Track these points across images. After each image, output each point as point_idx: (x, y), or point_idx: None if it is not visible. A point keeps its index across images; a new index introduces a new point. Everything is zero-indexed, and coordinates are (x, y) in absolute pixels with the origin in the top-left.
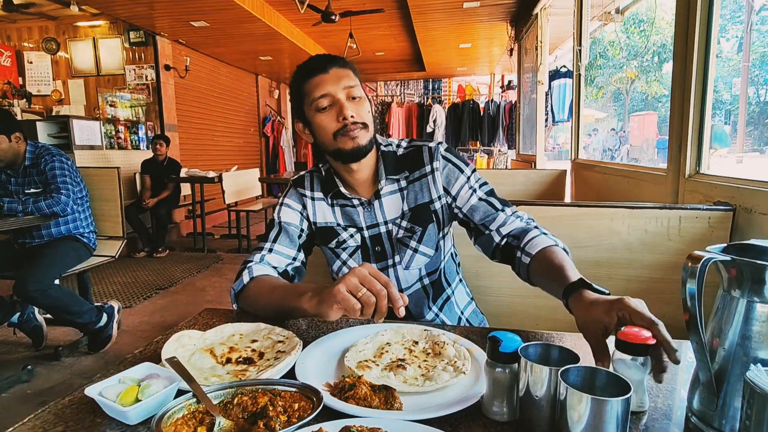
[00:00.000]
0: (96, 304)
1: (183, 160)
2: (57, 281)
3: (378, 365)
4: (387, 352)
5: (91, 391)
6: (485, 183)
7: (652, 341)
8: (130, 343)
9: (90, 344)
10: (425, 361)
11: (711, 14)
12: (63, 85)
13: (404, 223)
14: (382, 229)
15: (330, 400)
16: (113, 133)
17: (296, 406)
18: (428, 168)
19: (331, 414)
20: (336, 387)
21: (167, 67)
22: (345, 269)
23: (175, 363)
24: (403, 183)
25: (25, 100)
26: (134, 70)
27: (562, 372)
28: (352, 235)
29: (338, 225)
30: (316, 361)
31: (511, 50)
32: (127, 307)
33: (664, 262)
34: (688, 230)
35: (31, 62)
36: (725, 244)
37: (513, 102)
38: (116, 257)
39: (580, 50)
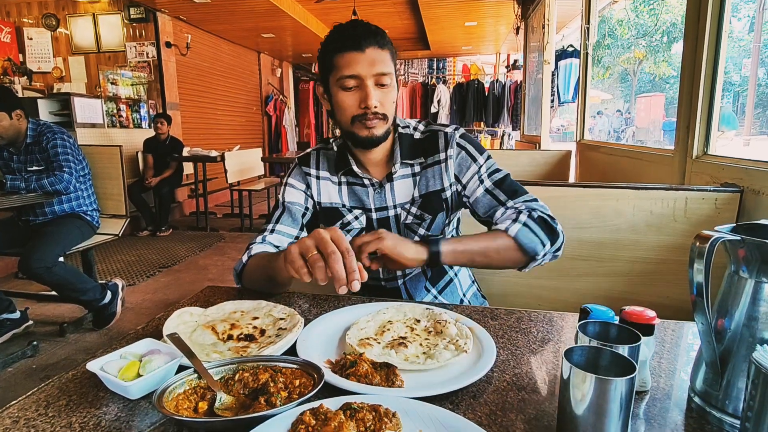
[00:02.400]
0: (100, 281)
1: (185, 139)
2: (62, 259)
3: (379, 343)
4: (388, 330)
5: (93, 366)
6: (496, 171)
7: (657, 321)
8: (133, 320)
9: (94, 321)
10: (427, 339)
11: None
12: (63, 62)
13: (414, 209)
14: (391, 212)
15: (331, 377)
16: (115, 111)
17: (297, 382)
18: (443, 155)
19: (332, 391)
20: (337, 364)
21: (168, 45)
22: None
23: (176, 339)
24: (417, 168)
25: (26, 77)
26: (135, 47)
27: (566, 351)
28: (357, 217)
29: (343, 206)
30: (317, 339)
31: (518, 29)
32: (130, 284)
33: (669, 243)
34: (695, 212)
35: (31, 38)
36: (734, 224)
37: (518, 82)
38: (119, 235)
39: (588, 28)
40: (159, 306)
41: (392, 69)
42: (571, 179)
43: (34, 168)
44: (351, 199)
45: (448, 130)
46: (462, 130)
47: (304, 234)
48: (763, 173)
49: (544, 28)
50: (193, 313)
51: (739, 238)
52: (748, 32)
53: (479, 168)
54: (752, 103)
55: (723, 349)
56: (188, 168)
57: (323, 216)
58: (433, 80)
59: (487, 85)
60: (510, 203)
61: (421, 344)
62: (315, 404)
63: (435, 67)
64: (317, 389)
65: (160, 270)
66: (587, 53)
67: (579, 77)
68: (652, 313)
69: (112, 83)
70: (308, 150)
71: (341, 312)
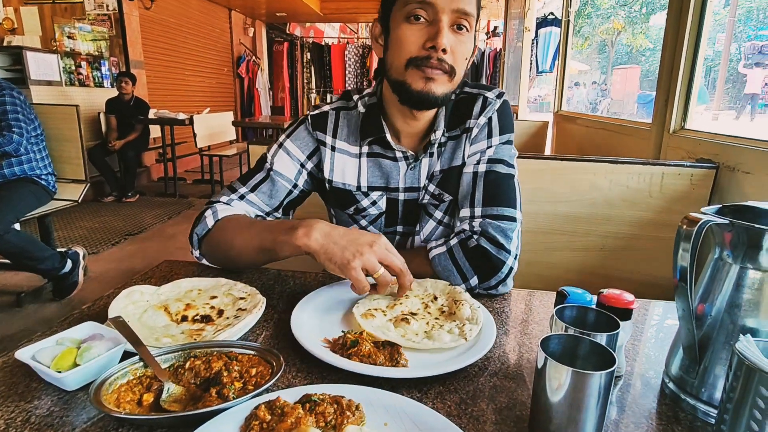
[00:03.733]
0: (59, 249)
1: (151, 101)
2: (16, 226)
3: (386, 315)
4: (401, 303)
5: (23, 354)
6: (500, 161)
7: (635, 305)
8: (97, 291)
9: (54, 291)
10: (436, 319)
11: None
12: (15, 12)
13: (431, 187)
14: (421, 194)
15: (332, 358)
16: (73, 68)
17: (254, 371)
18: (472, 122)
19: (333, 372)
20: (336, 343)
21: None
22: None
23: (120, 323)
24: (443, 139)
25: None
26: None
27: (542, 341)
28: (375, 202)
29: (358, 188)
30: (312, 314)
31: None
32: (93, 253)
33: (643, 219)
34: (669, 187)
35: None
36: (719, 206)
37: (497, 50)
38: (79, 201)
39: None
40: (125, 276)
41: (476, 11)
42: (547, 150)
43: None
44: (372, 176)
45: (490, 95)
46: (505, 99)
47: (278, 214)
48: (739, 149)
49: None
50: (144, 291)
51: (727, 221)
52: (723, 6)
53: (487, 147)
54: (723, 78)
55: (702, 335)
56: (155, 131)
57: (334, 197)
58: None
59: None
60: (477, 210)
61: (428, 323)
62: (272, 396)
63: None
64: (275, 379)
65: (125, 238)
66: (569, 21)
67: (558, 46)
68: (630, 297)
69: (69, 37)
70: (324, 108)
71: (336, 286)
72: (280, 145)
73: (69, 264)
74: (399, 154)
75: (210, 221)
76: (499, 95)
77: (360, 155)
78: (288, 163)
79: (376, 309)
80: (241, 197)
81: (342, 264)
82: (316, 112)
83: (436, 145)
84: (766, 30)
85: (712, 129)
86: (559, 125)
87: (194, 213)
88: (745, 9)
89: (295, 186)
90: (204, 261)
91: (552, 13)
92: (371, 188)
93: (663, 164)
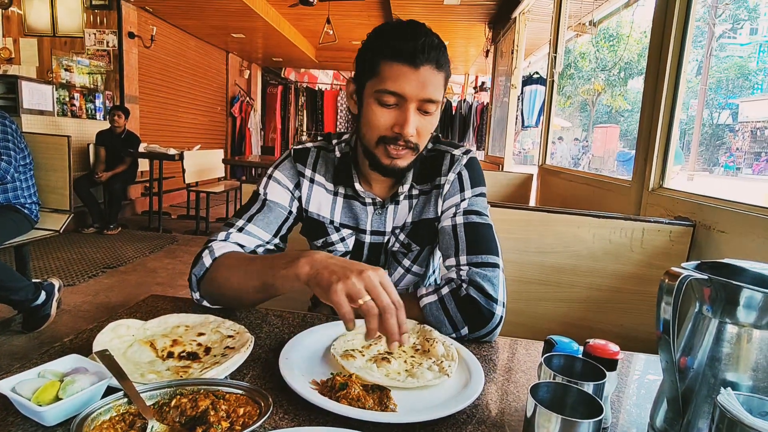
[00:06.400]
0: (35, 280)
1: (142, 135)
2: None
3: (364, 356)
4: (376, 343)
5: (3, 386)
6: (477, 213)
7: (620, 356)
8: (69, 324)
9: (24, 323)
10: (412, 357)
11: (684, 36)
12: (14, 43)
13: (402, 237)
14: (387, 238)
15: (321, 401)
16: (67, 99)
17: (241, 411)
18: (443, 179)
19: (320, 415)
20: (324, 386)
21: (131, 35)
22: None
23: (106, 357)
24: (415, 191)
25: None
26: (94, 34)
27: (532, 388)
28: (343, 239)
29: (331, 222)
30: (300, 355)
31: (487, 52)
32: (69, 285)
33: (625, 272)
34: (650, 243)
35: None
36: (699, 261)
37: (485, 104)
38: (60, 232)
39: (555, 57)
40: (99, 309)
41: (441, 95)
42: (532, 202)
43: None
44: (345, 215)
45: (456, 152)
46: (472, 155)
47: (277, 240)
48: (713, 209)
49: (513, 53)
50: (131, 326)
51: (706, 277)
52: (695, 75)
53: (461, 200)
54: (697, 141)
55: (685, 388)
56: (143, 165)
57: (307, 226)
58: None
59: (454, 104)
60: (462, 258)
61: (405, 361)
62: None
63: None
64: (263, 420)
65: (104, 270)
66: (553, 81)
67: (543, 103)
68: (615, 348)
69: (66, 70)
70: (307, 144)
71: (325, 327)
72: (270, 177)
73: (43, 295)
74: (368, 200)
75: (207, 260)
76: (466, 152)
77: (336, 194)
78: (280, 191)
79: (353, 350)
80: (240, 229)
81: (326, 286)
82: (300, 146)
83: (402, 197)
84: (735, 99)
85: (691, 189)
86: (544, 178)
87: (176, 248)
88: (715, 79)
89: (290, 212)
90: (205, 303)
91: (537, 72)
92: (343, 225)
93: (643, 220)
